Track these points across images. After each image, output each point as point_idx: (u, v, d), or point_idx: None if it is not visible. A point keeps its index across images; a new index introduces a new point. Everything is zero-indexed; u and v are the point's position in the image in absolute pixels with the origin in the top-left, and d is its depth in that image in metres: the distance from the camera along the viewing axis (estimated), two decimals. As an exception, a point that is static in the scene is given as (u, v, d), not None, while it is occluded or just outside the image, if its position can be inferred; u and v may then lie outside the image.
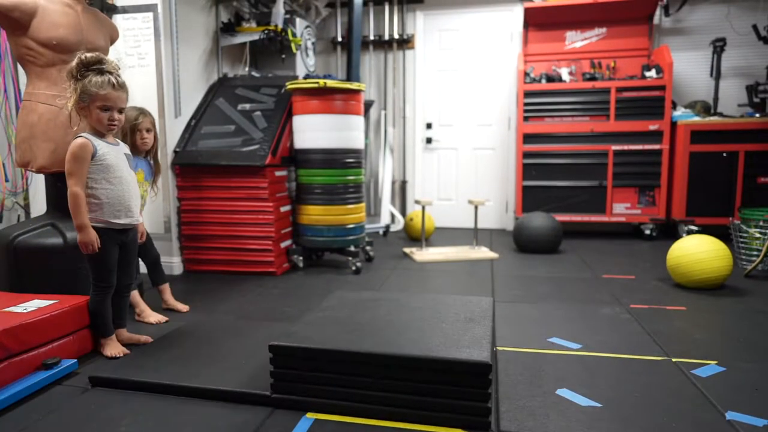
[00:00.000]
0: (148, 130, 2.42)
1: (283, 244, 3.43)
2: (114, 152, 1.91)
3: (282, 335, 1.57)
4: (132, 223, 1.98)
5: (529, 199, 4.66)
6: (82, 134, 1.85)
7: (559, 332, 2.17)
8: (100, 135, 1.90)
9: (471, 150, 5.37)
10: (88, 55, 1.80)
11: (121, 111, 1.89)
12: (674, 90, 4.71)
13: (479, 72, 5.26)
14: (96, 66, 1.80)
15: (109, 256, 1.92)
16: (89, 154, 1.83)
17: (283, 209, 3.42)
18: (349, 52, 4.48)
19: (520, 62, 4.72)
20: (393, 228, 5.11)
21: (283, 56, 4.16)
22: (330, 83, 3.29)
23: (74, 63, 1.79)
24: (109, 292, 1.96)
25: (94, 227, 1.84)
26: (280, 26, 4.02)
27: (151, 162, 2.51)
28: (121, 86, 1.86)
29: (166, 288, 2.58)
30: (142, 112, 2.42)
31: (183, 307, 2.56)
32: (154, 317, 2.39)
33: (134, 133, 2.39)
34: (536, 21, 4.89)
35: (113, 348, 1.96)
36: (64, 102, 1.89)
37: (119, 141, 2.03)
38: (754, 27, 4.42)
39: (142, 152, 2.45)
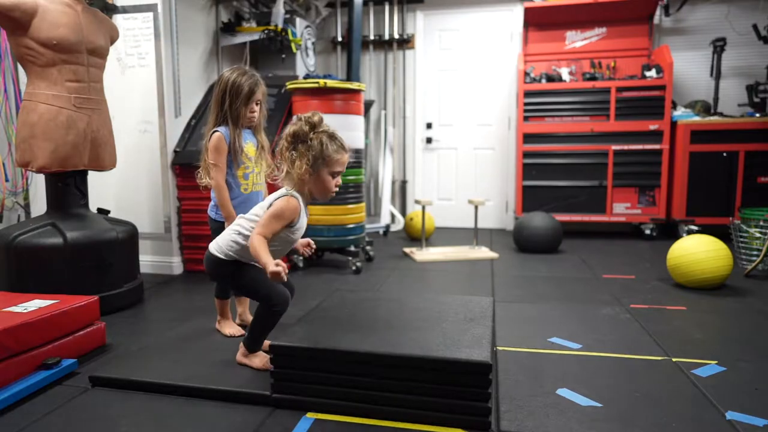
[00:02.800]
0: (257, 103, 2.03)
1: (283, 244, 3.43)
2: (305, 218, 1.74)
3: (282, 335, 1.58)
4: None
5: (529, 198, 4.66)
6: (293, 194, 1.64)
7: (559, 332, 2.17)
8: (310, 201, 1.72)
9: (471, 150, 5.37)
10: (313, 117, 1.63)
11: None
12: (674, 90, 4.71)
13: (479, 72, 5.26)
14: (321, 127, 1.64)
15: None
16: (296, 216, 1.65)
17: (283, 209, 3.42)
18: (349, 52, 4.48)
19: (520, 62, 4.72)
20: (393, 228, 5.11)
21: (283, 56, 4.16)
22: (330, 83, 3.29)
23: (304, 127, 1.61)
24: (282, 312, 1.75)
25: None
26: (280, 26, 4.02)
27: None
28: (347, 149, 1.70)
29: (246, 301, 2.25)
30: (257, 81, 2.01)
31: None
32: (228, 329, 2.10)
33: (247, 104, 1.98)
34: (536, 21, 4.89)
35: (261, 359, 1.76)
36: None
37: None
38: (754, 27, 4.42)
39: (245, 126, 2.05)
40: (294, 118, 1.68)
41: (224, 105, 1.99)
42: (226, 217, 1.97)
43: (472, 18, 5.21)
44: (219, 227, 1.97)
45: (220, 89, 2.00)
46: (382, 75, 5.39)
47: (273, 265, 1.53)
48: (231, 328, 2.09)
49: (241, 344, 1.80)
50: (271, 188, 1.86)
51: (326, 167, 1.63)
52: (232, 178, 2.01)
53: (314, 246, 1.84)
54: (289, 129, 1.64)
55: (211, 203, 2.08)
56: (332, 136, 1.65)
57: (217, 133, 1.96)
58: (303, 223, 1.72)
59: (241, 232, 1.69)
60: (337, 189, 1.70)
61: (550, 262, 3.66)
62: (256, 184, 2.08)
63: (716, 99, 4.59)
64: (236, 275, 1.73)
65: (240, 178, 2.03)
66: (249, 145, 2.04)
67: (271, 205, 1.64)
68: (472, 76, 5.28)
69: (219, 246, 1.72)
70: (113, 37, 2.71)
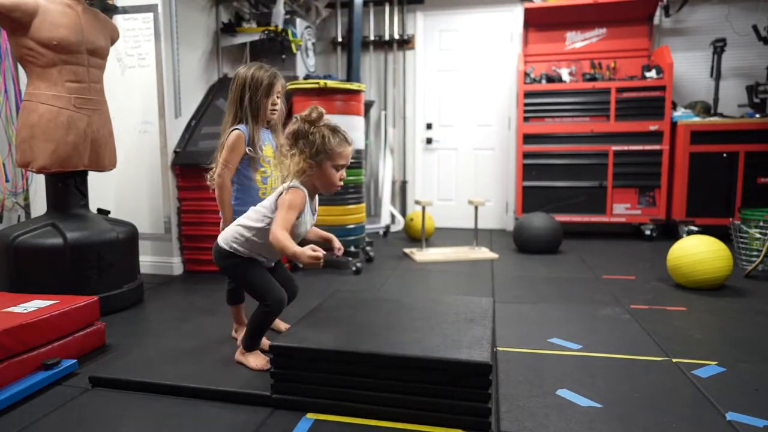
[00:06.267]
0: (278, 96, 1.96)
1: (283, 245, 3.43)
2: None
3: (282, 335, 1.57)
4: None
5: (529, 199, 4.66)
6: (297, 185, 1.63)
7: (560, 333, 2.17)
8: (313, 194, 1.72)
9: (471, 150, 5.36)
10: (311, 113, 1.62)
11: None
12: (674, 90, 4.71)
13: (479, 72, 5.26)
14: (322, 122, 1.64)
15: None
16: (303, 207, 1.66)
17: (283, 209, 3.42)
18: (349, 53, 4.48)
19: (520, 62, 4.72)
20: (393, 228, 5.11)
21: (284, 56, 4.16)
22: (330, 83, 3.29)
23: (303, 125, 1.62)
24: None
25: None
26: (280, 27, 4.02)
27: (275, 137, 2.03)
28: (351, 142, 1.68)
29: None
30: (275, 74, 1.94)
31: (283, 326, 2.08)
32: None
33: (268, 96, 1.91)
34: (536, 21, 4.89)
35: (257, 359, 1.76)
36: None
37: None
38: (754, 27, 4.42)
39: (265, 123, 1.98)
40: (294, 117, 1.68)
41: (243, 101, 1.90)
42: (225, 220, 1.91)
43: (472, 18, 5.21)
44: None
45: (238, 85, 1.91)
46: (382, 75, 5.39)
47: (307, 254, 1.54)
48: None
49: (239, 343, 1.81)
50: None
51: (329, 160, 1.63)
52: (249, 182, 1.93)
53: (339, 246, 1.77)
54: (290, 128, 1.65)
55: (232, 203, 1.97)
56: (334, 130, 1.65)
57: (236, 131, 1.88)
58: (308, 218, 1.71)
59: (247, 224, 1.69)
60: (342, 183, 1.69)
61: (550, 262, 3.66)
62: (275, 188, 1.92)
63: (716, 99, 4.59)
64: (237, 269, 1.74)
65: (258, 182, 1.95)
66: (267, 147, 1.95)
67: (277, 199, 1.65)
68: (472, 76, 5.28)
69: (225, 237, 1.74)
70: (113, 37, 2.72)
